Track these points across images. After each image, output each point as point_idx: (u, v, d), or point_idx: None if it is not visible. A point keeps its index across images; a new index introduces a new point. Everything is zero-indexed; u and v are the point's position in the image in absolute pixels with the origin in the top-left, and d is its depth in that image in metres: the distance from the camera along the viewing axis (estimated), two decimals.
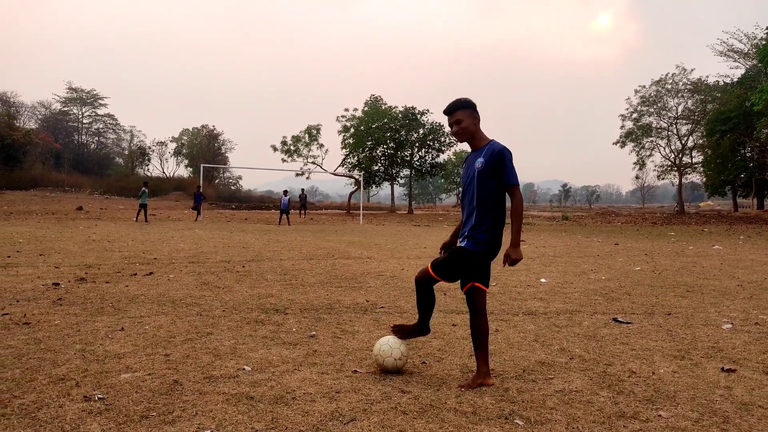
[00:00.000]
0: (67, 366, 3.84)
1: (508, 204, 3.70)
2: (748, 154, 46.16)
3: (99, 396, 3.28)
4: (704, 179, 50.62)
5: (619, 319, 5.77)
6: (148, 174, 79.59)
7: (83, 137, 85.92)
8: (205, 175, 76.75)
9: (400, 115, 47.17)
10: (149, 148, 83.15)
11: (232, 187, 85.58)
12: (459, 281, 3.77)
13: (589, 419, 3.09)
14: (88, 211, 32.77)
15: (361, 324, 5.40)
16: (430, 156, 49.42)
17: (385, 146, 47.32)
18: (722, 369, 4.10)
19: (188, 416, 3.03)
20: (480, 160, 3.63)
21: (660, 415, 3.17)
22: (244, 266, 9.66)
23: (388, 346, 3.83)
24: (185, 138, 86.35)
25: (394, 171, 49.48)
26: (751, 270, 10.54)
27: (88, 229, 18.55)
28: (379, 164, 48.27)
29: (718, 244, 18.14)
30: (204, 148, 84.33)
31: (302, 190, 37.91)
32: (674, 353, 4.53)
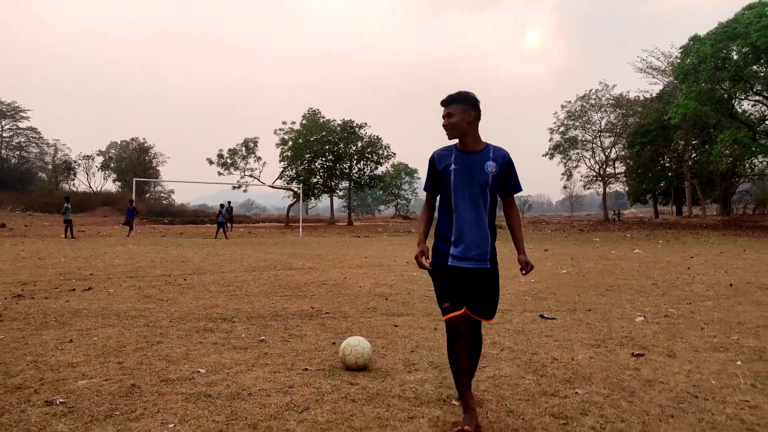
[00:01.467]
0: (22, 376, 3.92)
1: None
2: (667, 164, 49.39)
3: (60, 400, 3.41)
4: (627, 188, 53.68)
5: (545, 316, 6.31)
6: (74, 189, 76.24)
7: (3, 151, 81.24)
8: (135, 189, 74.50)
9: (338, 128, 47.50)
10: (75, 162, 79.77)
11: (164, 201, 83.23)
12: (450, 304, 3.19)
13: (515, 398, 3.51)
14: (12, 228, 31.14)
15: (308, 328, 5.66)
16: (369, 168, 49.97)
17: (323, 159, 47.46)
18: (632, 354, 4.65)
19: (151, 414, 3.22)
20: (491, 164, 3.22)
21: (576, 393, 3.63)
22: (185, 279, 9.68)
23: (360, 347, 4.11)
24: (113, 151, 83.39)
25: (333, 183, 49.68)
26: (667, 270, 11.49)
27: (15, 247, 17.77)
28: (318, 176, 48.36)
29: (638, 248, 19.43)
30: (134, 162, 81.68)
31: (228, 203, 35.40)
32: (592, 342, 5.06)
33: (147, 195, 79.18)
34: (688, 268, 11.99)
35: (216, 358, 4.47)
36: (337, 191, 52.89)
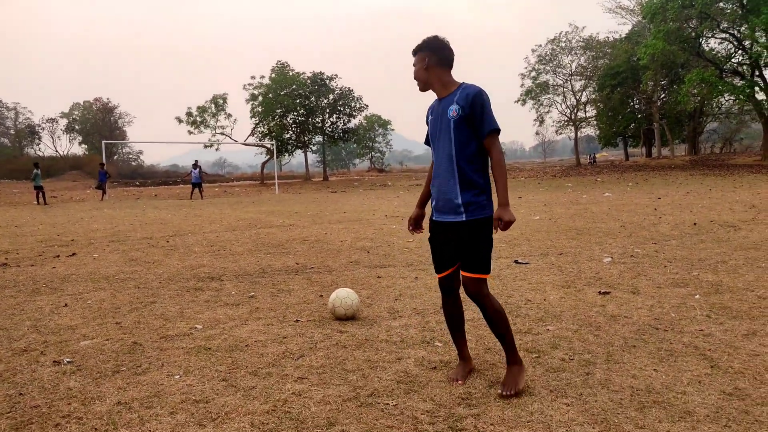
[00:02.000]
0: (25, 339, 4.10)
1: None
2: (636, 106, 50.04)
3: (67, 360, 3.62)
4: (598, 132, 54.37)
5: (519, 261, 6.65)
6: (40, 154, 74.34)
7: None
8: (105, 151, 72.67)
9: (308, 81, 46.81)
10: (38, 125, 77.48)
11: (133, 163, 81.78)
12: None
13: (492, 337, 3.82)
14: None
15: (295, 283, 5.91)
16: (342, 122, 49.63)
17: (295, 113, 46.94)
18: (599, 292, 5.01)
19: (156, 367, 3.45)
20: (454, 107, 2.96)
21: (548, 329, 3.96)
22: (168, 241, 9.80)
23: (349, 299, 4.36)
24: (76, 113, 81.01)
25: (306, 138, 49.29)
26: (634, 213, 11.96)
27: None
28: (291, 132, 47.91)
29: (608, 191, 20.00)
30: (99, 123, 79.62)
31: (195, 161, 33.39)
32: (562, 284, 5.41)
33: (115, 157, 77.59)
34: (655, 209, 12.48)
35: (210, 314, 4.69)
36: (311, 146, 52.52)
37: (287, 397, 2.94)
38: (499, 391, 2.89)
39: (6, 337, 4.19)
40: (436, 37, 3.12)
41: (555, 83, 49.87)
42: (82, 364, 3.54)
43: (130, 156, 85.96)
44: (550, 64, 49.08)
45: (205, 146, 43.94)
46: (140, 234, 11.10)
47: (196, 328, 4.28)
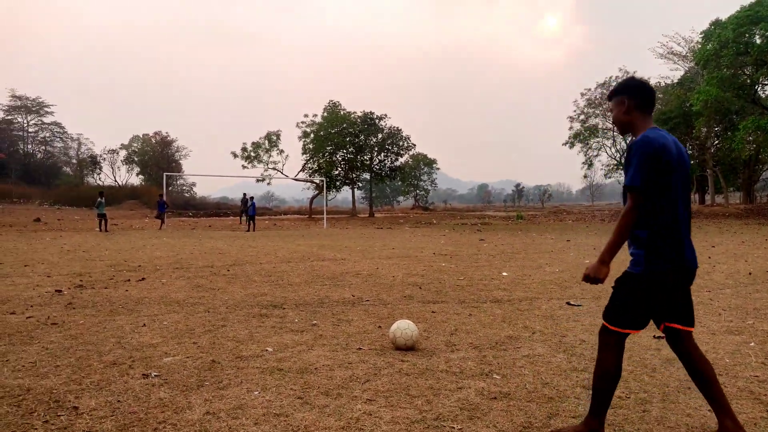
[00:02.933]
0: (113, 354, 4.51)
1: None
2: (689, 152, 49.07)
3: (155, 374, 3.98)
4: None
5: (572, 303, 6.76)
6: (101, 183, 78.00)
7: (29, 146, 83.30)
8: (160, 183, 75.75)
9: (358, 120, 48.06)
10: (99, 156, 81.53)
11: (186, 194, 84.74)
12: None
13: (550, 373, 3.99)
14: (46, 222, 32.28)
15: (354, 314, 6.19)
16: (389, 160, 50.51)
17: (344, 151, 48.13)
18: (654, 336, 5.09)
19: (236, 383, 3.77)
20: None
21: None
22: (228, 270, 10.29)
23: (410, 330, 4.62)
24: (136, 145, 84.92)
25: (354, 175, 50.30)
26: None
27: (56, 240, 18.64)
28: (339, 168, 49.03)
29: None
30: (157, 155, 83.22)
31: (244, 194, 34.16)
32: None
33: (170, 188, 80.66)
34: (709, 257, 12.29)
35: (277, 339, 5.02)
36: (358, 183, 53.47)
37: (359, 416, 3.19)
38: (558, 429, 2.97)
39: (95, 351, 4.60)
40: (633, 78, 3.06)
41: (604, 127, 49.60)
42: (168, 378, 3.89)
43: (184, 187, 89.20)
44: (600, 108, 48.95)
45: (258, 180, 45.37)
46: (201, 262, 11.65)
47: (267, 350, 4.60)
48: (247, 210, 28.67)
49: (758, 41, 31.90)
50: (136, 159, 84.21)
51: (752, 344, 4.82)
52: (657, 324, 3.02)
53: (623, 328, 2.90)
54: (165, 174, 37.78)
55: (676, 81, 47.14)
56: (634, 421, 3.11)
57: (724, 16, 34.42)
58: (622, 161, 31.12)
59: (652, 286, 2.82)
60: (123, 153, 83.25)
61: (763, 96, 37.69)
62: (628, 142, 3.21)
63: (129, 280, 8.82)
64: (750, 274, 9.38)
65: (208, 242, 18.32)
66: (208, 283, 8.59)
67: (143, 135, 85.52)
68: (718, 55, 32.71)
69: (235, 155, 45.92)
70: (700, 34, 38.27)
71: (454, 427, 3.03)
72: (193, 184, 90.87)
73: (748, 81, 35.03)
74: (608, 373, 2.86)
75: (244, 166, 46.02)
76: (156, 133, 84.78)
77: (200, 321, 5.78)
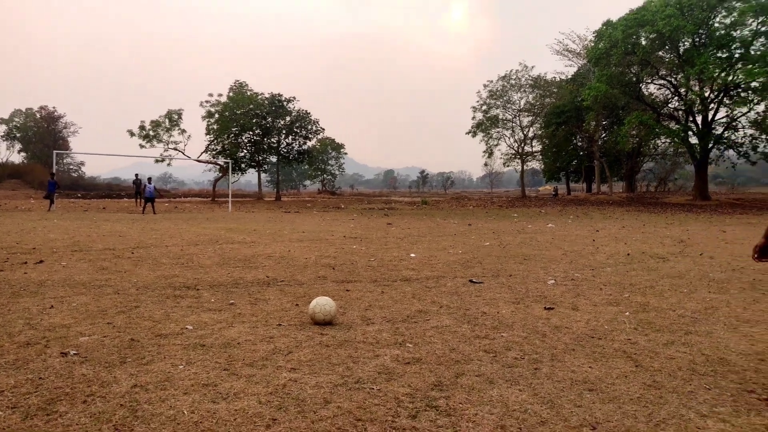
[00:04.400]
0: (24, 335, 4.40)
1: None
2: (579, 144, 52.70)
3: (73, 352, 3.96)
4: (542, 166, 56.81)
5: (474, 280, 7.31)
6: None
7: None
8: (45, 161, 70.20)
9: (266, 102, 47.11)
10: None
11: (74, 174, 79.19)
12: None
13: (456, 340, 4.41)
14: None
15: (270, 294, 6.34)
16: (297, 143, 50.01)
17: (251, 132, 47.05)
18: (545, 308, 5.69)
19: (160, 359, 3.86)
20: None
21: (502, 335, 4.58)
22: (132, 253, 9.99)
23: (328, 306, 4.85)
24: (18, 120, 78.01)
25: (260, 157, 49.34)
26: (575, 242, 12.92)
27: None
28: (245, 151, 47.90)
29: (551, 222, 21.15)
30: (43, 132, 76.98)
31: (136, 175, 33.35)
32: (513, 300, 6.08)
33: (56, 167, 74.98)
34: (594, 240, 13.50)
35: (196, 318, 5.09)
36: (265, 166, 52.53)
37: (285, 382, 3.42)
38: None
39: (4, 332, 4.46)
40: None
41: (504, 118, 52.01)
42: (88, 356, 3.89)
43: (72, 167, 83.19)
44: (501, 100, 51.23)
45: (157, 161, 43.34)
46: (101, 245, 11.19)
47: (187, 328, 4.68)
48: (145, 192, 27.37)
49: (644, 42, 34.76)
50: (17, 135, 77.40)
51: (627, 314, 5.53)
52: None
53: None
54: (55, 152, 35.12)
55: (569, 77, 50.31)
56: (528, 377, 3.57)
57: (615, 18, 37.16)
58: (519, 151, 32.59)
59: None
60: (2, 128, 76.21)
61: (647, 93, 41.18)
62: None
63: (26, 263, 8.36)
64: (628, 254, 10.48)
65: (105, 225, 17.46)
66: (113, 265, 8.34)
67: (26, 110, 78.69)
68: (608, 54, 35.29)
69: (132, 133, 43.48)
70: (593, 33, 41.07)
71: (373, 388, 3.34)
72: (82, 163, 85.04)
73: (634, 79, 38.10)
74: None
75: (141, 145, 43.74)
76: (42, 108, 78.30)
77: (111, 302, 5.69)
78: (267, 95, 47.78)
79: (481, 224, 20.11)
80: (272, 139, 48.58)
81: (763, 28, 32.09)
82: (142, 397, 3.16)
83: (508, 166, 56.60)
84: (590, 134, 48.07)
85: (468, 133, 52.09)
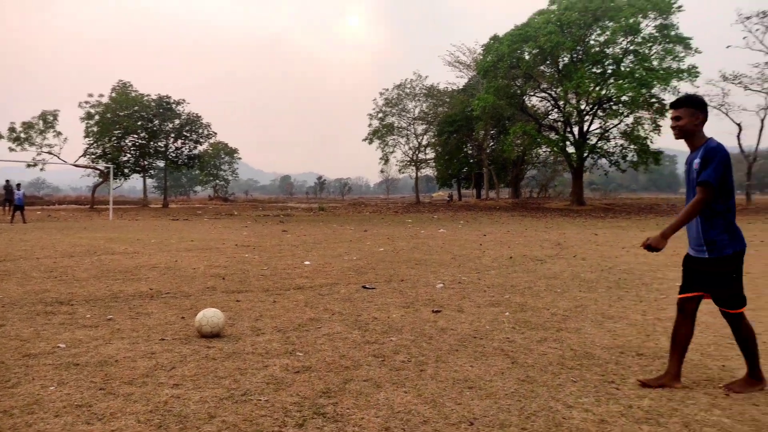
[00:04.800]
0: None
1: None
2: (469, 152, 55.05)
3: None
4: (435, 173, 58.73)
5: (367, 286, 7.43)
6: None
7: None
8: None
9: (153, 104, 44.80)
10: None
11: None
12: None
13: (346, 346, 4.47)
14: None
15: (153, 307, 6.06)
16: (187, 147, 48.00)
17: (135, 136, 44.51)
18: (433, 311, 5.92)
19: (27, 381, 3.57)
20: (696, 160, 3.47)
21: (391, 340, 4.71)
22: None
23: (216, 317, 4.71)
24: None
25: (146, 162, 46.78)
26: (463, 247, 13.50)
27: None
28: (129, 155, 45.23)
29: (443, 228, 21.94)
30: None
31: (7, 181, 30.61)
32: (403, 305, 6.26)
33: None
34: (481, 244, 14.19)
35: (69, 335, 4.76)
36: (151, 171, 49.89)
37: (167, 399, 3.30)
38: (725, 385, 3.59)
39: None
40: (701, 97, 3.66)
41: (399, 125, 53.22)
42: None
43: None
44: (396, 108, 52.38)
45: (29, 165, 39.75)
46: None
47: (59, 347, 4.37)
48: (13, 199, 25.02)
49: (527, 57, 37.08)
50: None
51: (507, 314, 5.88)
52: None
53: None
54: None
55: (461, 87, 52.53)
56: (413, 379, 3.71)
57: (501, 33, 39.33)
58: (414, 158, 33.54)
59: (740, 262, 3.51)
60: None
61: (530, 105, 43.91)
62: (705, 148, 3.28)
63: None
64: (511, 258, 11.13)
65: None
66: None
67: None
68: (496, 67, 37.28)
69: (0, 136, 39.63)
70: (482, 46, 43.20)
71: (261, 399, 3.31)
72: None
73: (519, 91, 40.51)
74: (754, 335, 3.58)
75: (11, 149, 39.95)
76: None
77: None
78: (154, 97, 45.51)
79: (377, 230, 20.43)
80: (159, 143, 46.29)
81: (631, 47, 35.45)
82: (5, 423, 2.91)
83: (403, 172, 58.02)
84: (480, 143, 50.43)
85: (365, 140, 52.74)
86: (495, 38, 39.70)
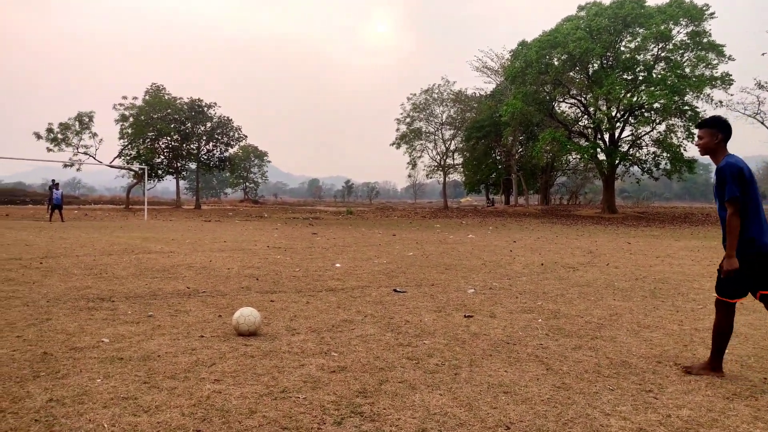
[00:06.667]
0: None
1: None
2: (498, 158, 54.72)
3: None
4: (463, 178, 58.49)
5: (398, 290, 7.48)
6: None
7: None
8: None
9: (185, 107, 45.74)
10: None
11: None
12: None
13: (380, 348, 4.52)
14: None
15: (191, 305, 6.21)
16: (219, 150, 48.84)
17: (168, 138, 45.47)
18: (464, 316, 5.93)
19: (75, 372, 3.71)
20: (714, 177, 3.98)
21: (424, 343, 4.75)
22: (41, 263, 9.44)
23: (252, 317, 4.81)
24: None
25: (179, 164, 47.73)
26: (493, 253, 13.45)
27: None
28: (162, 156, 46.21)
29: (472, 233, 21.86)
30: None
31: (53, 180, 31.89)
32: (434, 309, 6.29)
33: None
34: (511, 250, 14.11)
35: (112, 330, 4.92)
36: (184, 172, 50.88)
37: (209, 394, 3.40)
38: (688, 365, 4.17)
39: None
40: (723, 117, 4.05)
41: (427, 130, 53.22)
42: None
43: None
44: (424, 113, 52.41)
45: (66, 165, 40.94)
46: (5, 254, 10.49)
47: (103, 341, 4.52)
48: (52, 198, 25.72)
49: (556, 63, 36.76)
50: None
51: (540, 320, 5.86)
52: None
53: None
54: None
55: (488, 93, 52.30)
56: (448, 382, 3.74)
57: (530, 38, 39.08)
58: (441, 163, 33.50)
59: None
60: None
61: (559, 111, 43.47)
62: (718, 167, 3.63)
63: None
64: (542, 264, 11.05)
65: (9, 233, 16.36)
66: (20, 276, 7.86)
67: None
68: (524, 73, 37.05)
69: (38, 136, 40.90)
70: (510, 52, 42.97)
71: (299, 397, 3.38)
72: None
73: (547, 97, 40.16)
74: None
75: (49, 149, 41.21)
76: None
77: (20, 315, 5.39)
78: (186, 100, 46.42)
79: (405, 234, 20.47)
80: (192, 145, 47.18)
81: (662, 54, 34.86)
82: (58, 411, 3.05)
83: (430, 177, 57.88)
84: (508, 148, 50.07)
85: (392, 144, 52.88)
86: (523, 44, 39.44)
